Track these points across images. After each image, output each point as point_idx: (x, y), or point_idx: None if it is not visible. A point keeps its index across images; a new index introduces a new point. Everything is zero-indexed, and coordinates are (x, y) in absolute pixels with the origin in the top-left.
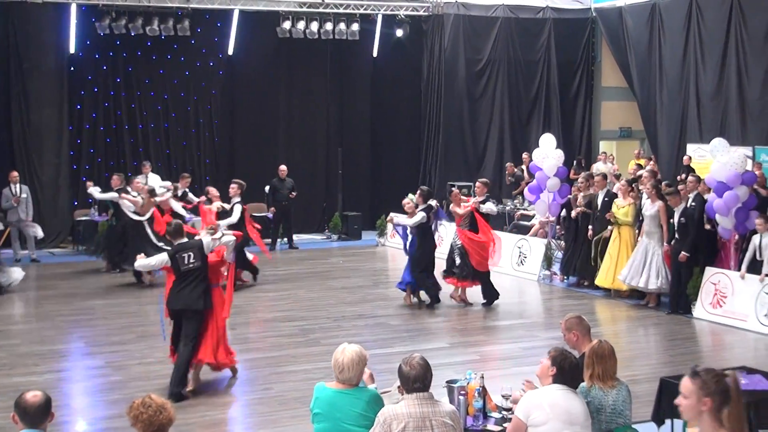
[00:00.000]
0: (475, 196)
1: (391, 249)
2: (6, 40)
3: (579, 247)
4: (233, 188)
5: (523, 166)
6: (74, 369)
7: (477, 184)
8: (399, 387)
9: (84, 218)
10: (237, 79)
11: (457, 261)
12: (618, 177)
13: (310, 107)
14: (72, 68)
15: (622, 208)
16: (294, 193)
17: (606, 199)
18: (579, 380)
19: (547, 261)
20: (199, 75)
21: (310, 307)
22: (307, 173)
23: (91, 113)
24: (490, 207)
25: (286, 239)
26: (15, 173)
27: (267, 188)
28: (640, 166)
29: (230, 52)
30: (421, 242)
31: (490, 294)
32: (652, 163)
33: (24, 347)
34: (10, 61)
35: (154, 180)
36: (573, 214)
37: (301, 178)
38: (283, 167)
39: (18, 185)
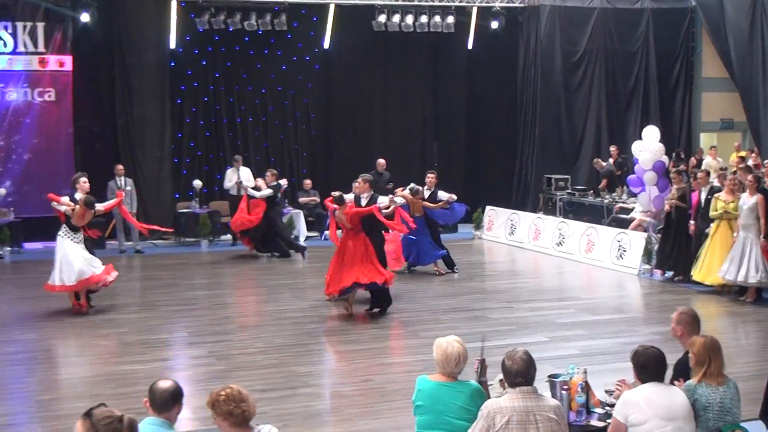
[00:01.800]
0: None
1: (488, 242)
2: (110, 37)
3: (675, 241)
4: (430, 178)
5: (611, 160)
6: (178, 358)
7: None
8: (501, 381)
9: (185, 210)
10: (333, 72)
11: None
12: (724, 170)
13: (405, 100)
14: (172, 63)
15: (731, 203)
16: (390, 185)
17: (709, 196)
18: (664, 370)
19: (647, 255)
20: (295, 69)
21: (408, 299)
22: (402, 166)
23: (191, 107)
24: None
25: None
26: (120, 166)
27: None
28: (742, 159)
29: (326, 46)
30: None
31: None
32: (754, 155)
33: (131, 336)
34: (114, 58)
35: (245, 174)
36: (666, 207)
37: (396, 171)
38: (381, 160)
39: (123, 178)
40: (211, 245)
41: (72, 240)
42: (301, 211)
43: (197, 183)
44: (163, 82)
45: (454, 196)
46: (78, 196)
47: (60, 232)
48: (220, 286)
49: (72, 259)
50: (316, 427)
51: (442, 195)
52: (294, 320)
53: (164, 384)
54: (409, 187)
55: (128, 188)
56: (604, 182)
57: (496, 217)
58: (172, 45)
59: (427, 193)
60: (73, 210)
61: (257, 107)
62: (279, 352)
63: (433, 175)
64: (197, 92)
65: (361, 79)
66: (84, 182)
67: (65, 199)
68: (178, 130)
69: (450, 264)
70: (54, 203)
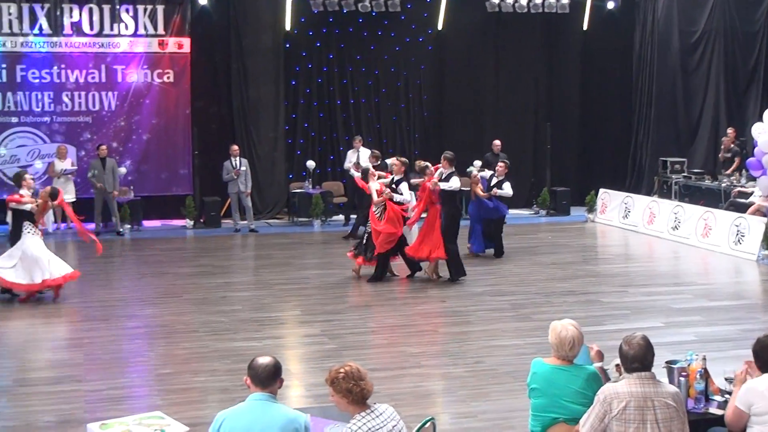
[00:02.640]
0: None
1: (601, 225)
2: (227, 19)
3: None
4: (501, 167)
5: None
6: (291, 336)
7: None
8: (617, 366)
9: (299, 190)
10: (446, 54)
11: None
12: None
13: (518, 82)
14: (288, 45)
15: None
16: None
17: None
18: None
19: (767, 241)
20: (408, 50)
21: (519, 282)
22: (515, 148)
23: (305, 89)
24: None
25: None
26: (236, 147)
27: (479, 164)
28: None
29: (440, 27)
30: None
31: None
32: None
33: (244, 313)
34: (230, 40)
35: (365, 155)
36: None
37: (509, 153)
38: (497, 142)
39: (238, 158)
40: (323, 225)
41: (36, 235)
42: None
43: (310, 163)
44: (278, 63)
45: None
46: (24, 191)
47: (27, 230)
48: (331, 266)
49: (39, 257)
50: (427, 407)
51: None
52: (405, 301)
53: (264, 360)
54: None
55: (243, 168)
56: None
57: (609, 200)
58: (288, 27)
59: (494, 181)
60: (37, 205)
61: (370, 88)
62: (390, 332)
63: (503, 165)
64: (311, 73)
65: (474, 60)
66: (30, 179)
67: (26, 197)
68: (292, 111)
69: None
70: (13, 204)
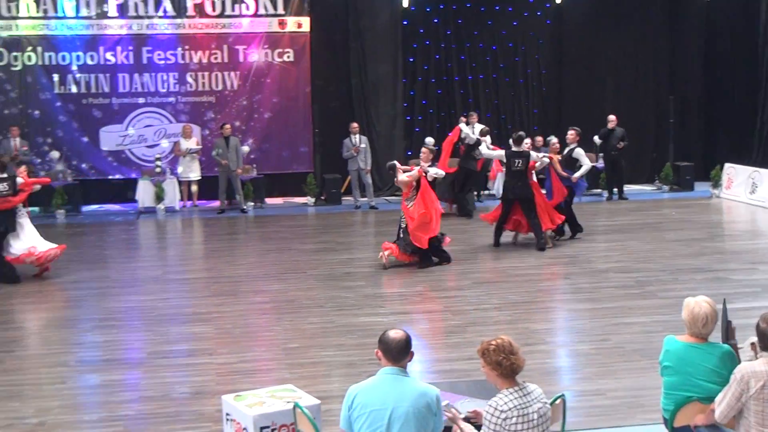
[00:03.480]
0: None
1: (726, 201)
2: None
3: None
4: (571, 134)
5: None
6: (415, 312)
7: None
8: (753, 344)
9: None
10: (565, 27)
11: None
12: None
13: (639, 55)
14: (405, 22)
15: None
16: (623, 143)
17: None
18: None
19: None
20: (527, 25)
21: (644, 258)
22: (635, 123)
23: (423, 66)
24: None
25: (616, 189)
26: (355, 124)
27: (596, 138)
28: None
29: (558, 1)
30: None
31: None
32: None
33: (369, 289)
34: (348, 19)
35: (478, 130)
36: None
37: (630, 128)
38: (612, 117)
39: (358, 136)
40: (442, 202)
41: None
42: None
43: (429, 140)
44: (396, 40)
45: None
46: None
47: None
48: (453, 243)
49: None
50: (553, 384)
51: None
52: (528, 277)
53: (396, 334)
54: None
55: (363, 146)
56: None
57: (735, 175)
58: (405, 4)
59: (565, 150)
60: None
61: (488, 64)
62: (514, 308)
63: (574, 132)
64: (429, 50)
65: (593, 33)
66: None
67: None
68: (410, 88)
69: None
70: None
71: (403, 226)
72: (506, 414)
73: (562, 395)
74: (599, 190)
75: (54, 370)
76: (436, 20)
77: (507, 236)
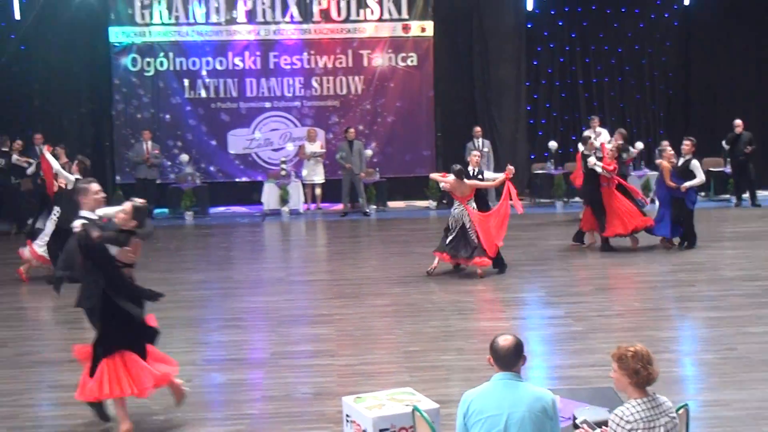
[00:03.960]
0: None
1: None
2: (469, 2)
3: None
4: (687, 145)
5: None
6: (535, 317)
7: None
8: None
9: (541, 171)
10: (693, 29)
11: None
12: None
13: None
14: (529, 25)
15: None
16: (750, 147)
17: None
18: None
19: None
20: (653, 27)
21: (761, 266)
22: (765, 127)
23: (546, 68)
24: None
25: (747, 195)
26: (478, 128)
27: (724, 143)
28: None
29: (686, 2)
30: None
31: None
32: None
33: (489, 293)
34: (472, 22)
35: (605, 136)
36: None
37: (759, 132)
38: (738, 121)
39: (480, 139)
40: (565, 206)
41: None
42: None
43: (553, 144)
44: (520, 43)
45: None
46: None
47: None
48: (575, 248)
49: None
50: (677, 393)
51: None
52: (652, 284)
53: (505, 341)
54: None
55: (485, 150)
56: None
57: None
58: (529, 7)
59: (680, 161)
60: None
61: (613, 67)
62: (637, 315)
63: (689, 143)
64: (553, 53)
65: (721, 35)
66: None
67: None
68: (533, 92)
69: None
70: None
71: (460, 227)
72: (632, 425)
73: (686, 405)
74: (727, 196)
75: (181, 369)
76: (560, 23)
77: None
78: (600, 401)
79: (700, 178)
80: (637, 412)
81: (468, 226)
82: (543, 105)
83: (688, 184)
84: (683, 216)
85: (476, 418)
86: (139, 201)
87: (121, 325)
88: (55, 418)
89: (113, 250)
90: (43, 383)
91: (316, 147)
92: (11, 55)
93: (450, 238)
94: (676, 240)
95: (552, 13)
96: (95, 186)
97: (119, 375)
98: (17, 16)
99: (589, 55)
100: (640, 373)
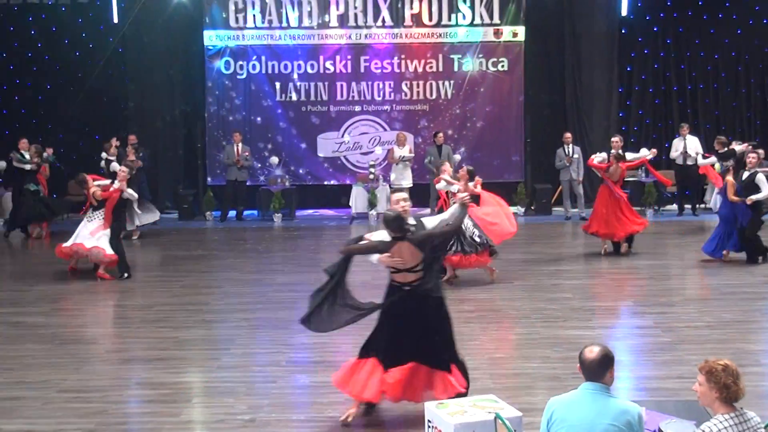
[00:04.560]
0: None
1: None
2: (561, 6)
3: None
4: (753, 158)
5: None
6: (622, 327)
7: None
8: None
9: (632, 179)
10: None
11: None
12: None
13: None
14: (623, 31)
15: None
16: None
17: None
18: None
19: None
20: (751, 33)
21: None
22: None
23: (641, 75)
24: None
25: None
26: (568, 134)
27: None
28: None
29: None
30: None
31: None
32: None
33: (576, 302)
34: (564, 26)
35: (692, 143)
36: None
37: None
38: None
39: (570, 146)
40: (656, 215)
41: (87, 219)
42: None
43: (644, 151)
44: (613, 49)
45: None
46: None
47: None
48: (664, 257)
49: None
50: (765, 408)
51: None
52: (743, 295)
53: (591, 354)
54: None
55: (576, 156)
56: None
57: None
58: (624, 12)
59: (745, 175)
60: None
61: (708, 74)
62: (727, 327)
63: (755, 156)
64: (647, 59)
65: None
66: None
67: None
68: (626, 98)
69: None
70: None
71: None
72: None
73: None
74: None
75: (266, 369)
76: (655, 28)
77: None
78: (687, 414)
79: (764, 192)
80: (725, 428)
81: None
82: (636, 112)
83: (754, 197)
84: (748, 230)
85: (559, 426)
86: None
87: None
88: (142, 415)
89: (374, 257)
90: (131, 380)
91: (405, 151)
92: (109, 58)
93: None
94: (733, 254)
95: (647, 18)
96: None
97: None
98: (115, 19)
99: (685, 62)
100: (730, 387)
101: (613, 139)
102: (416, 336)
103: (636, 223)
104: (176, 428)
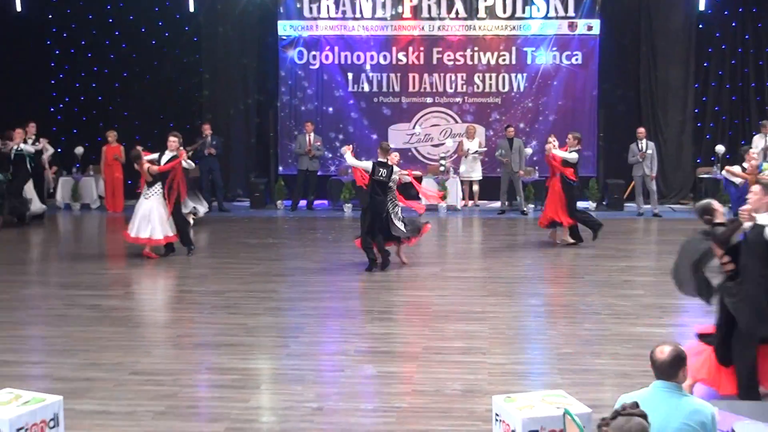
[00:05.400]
0: None
1: None
2: (638, 1)
3: None
4: None
5: None
6: (695, 325)
7: None
8: None
9: (706, 176)
10: None
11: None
12: None
13: None
14: (700, 26)
15: None
16: None
17: None
18: None
19: None
20: None
21: None
22: None
23: (717, 71)
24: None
25: None
26: (642, 129)
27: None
28: None
29: None
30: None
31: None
32: None
33: (648, 299)
34: (640, 21)
35: (759, 141)
36: None
37: None
38: None
39: (644, 141)
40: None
41: (144, 196)
42: None
43: (720, 148)
44: (689, 44)
45: None
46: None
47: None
48: None
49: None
50: None
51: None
52: None
53: (662, 355)
54: None
55: (649, 152)
56: None
57: None
58: (701, 6)
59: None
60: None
61: None
62: None
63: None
64: (725, 55)
65: None
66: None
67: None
68: (702, 94)
69: None
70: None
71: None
72: None
73: None
74: None
75: (333, 358)
76: (734, 23)
77: None
78: (761, 416)
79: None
80: None
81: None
82: (711, 108)
83: None
84: None
85: None
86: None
87: None
88: (211, 400)
89: None
90: (201, 365)
91: (474, 144)
92: (184, 47)
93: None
94: None
95: (725, 14)
96: None
97: None
98: (191, 8)
99: (763, 58)
100: None
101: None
102: None
103: None
104: (245, 413)
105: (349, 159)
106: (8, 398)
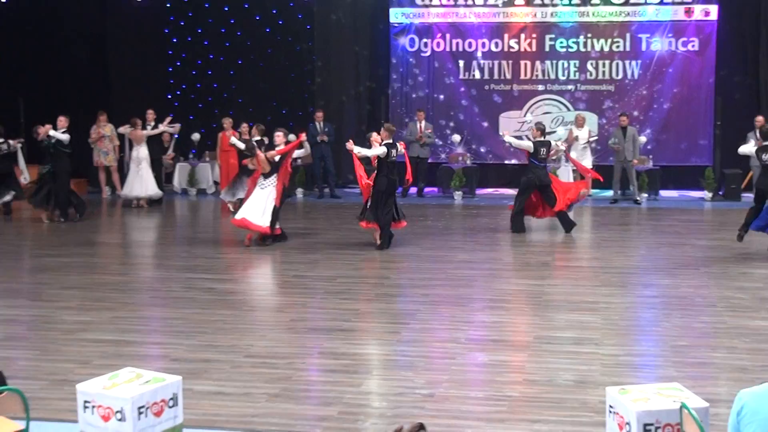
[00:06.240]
0: None
1: None
2: None
3: None
4: None
5: None
6: None
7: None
8: None
9: None
10: None
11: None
12: None
13: None
14: None
15: None
16: None
17: None
18: None
19: None
20: None
21: None
22: None
23: None
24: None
25: None
26: (760, 118)
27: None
28: None
29: None
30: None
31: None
32: None
33: (766, 291)
34: (760, 6)
35: None
36: None
37: None
38: None
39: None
40: None
41: (259, 186)
42: None
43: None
44: None
45: None
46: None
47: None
48: None
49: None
50: None
51: None
52: None
53: None
54: None
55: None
56: None
57: None
58: None
59: None
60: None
61: None
62: None
63: None
64: None
65: None
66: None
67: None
68: None
69: None
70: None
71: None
72: None
73: None
74: None
75: (445, 346)
76: None
77: None
78: None
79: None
80: None
81: None
82: None
83: None
84: None
85: (750, 419)
86: None
87: None
88: (324, 384)
89: None
90: (314, 349)
91: (583, 132)
92: (297, 34)
93: None
94: None
95: None
96: None
97: None
98: None
99: None
100: None
101: None
102: None
103: None
104: (357, 398)
105: (363, 150)
106: (130, 377)
